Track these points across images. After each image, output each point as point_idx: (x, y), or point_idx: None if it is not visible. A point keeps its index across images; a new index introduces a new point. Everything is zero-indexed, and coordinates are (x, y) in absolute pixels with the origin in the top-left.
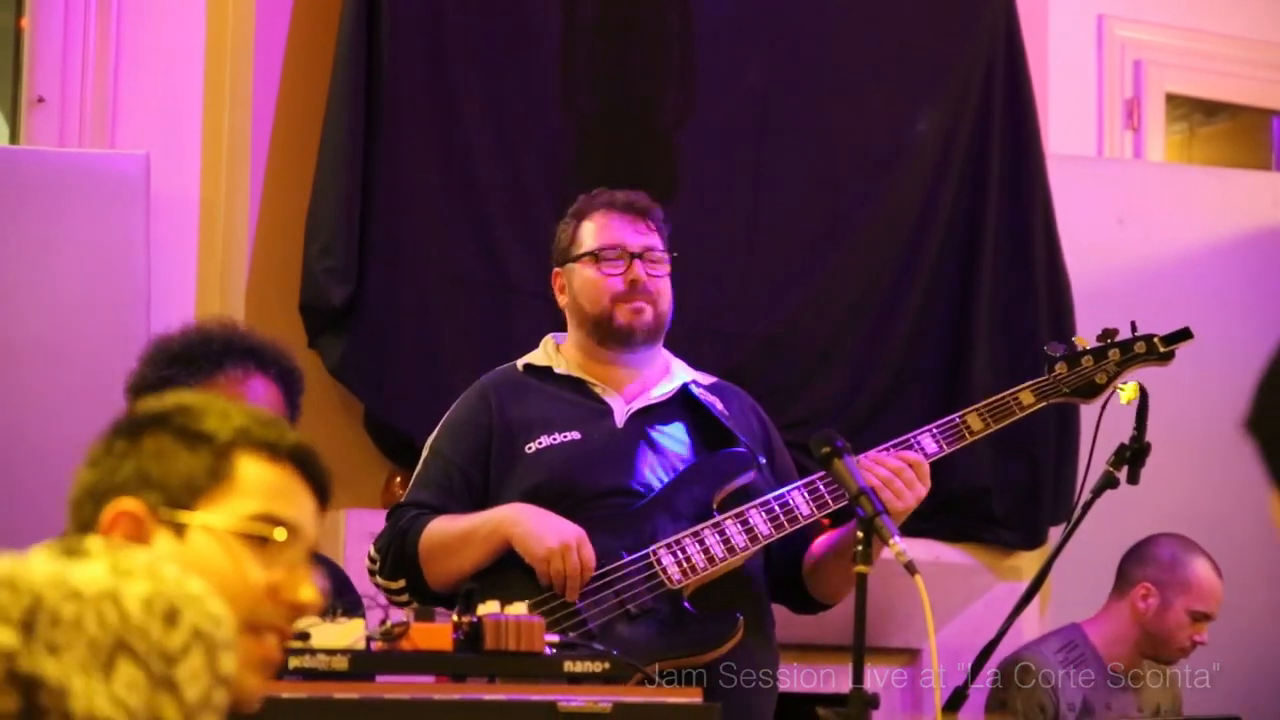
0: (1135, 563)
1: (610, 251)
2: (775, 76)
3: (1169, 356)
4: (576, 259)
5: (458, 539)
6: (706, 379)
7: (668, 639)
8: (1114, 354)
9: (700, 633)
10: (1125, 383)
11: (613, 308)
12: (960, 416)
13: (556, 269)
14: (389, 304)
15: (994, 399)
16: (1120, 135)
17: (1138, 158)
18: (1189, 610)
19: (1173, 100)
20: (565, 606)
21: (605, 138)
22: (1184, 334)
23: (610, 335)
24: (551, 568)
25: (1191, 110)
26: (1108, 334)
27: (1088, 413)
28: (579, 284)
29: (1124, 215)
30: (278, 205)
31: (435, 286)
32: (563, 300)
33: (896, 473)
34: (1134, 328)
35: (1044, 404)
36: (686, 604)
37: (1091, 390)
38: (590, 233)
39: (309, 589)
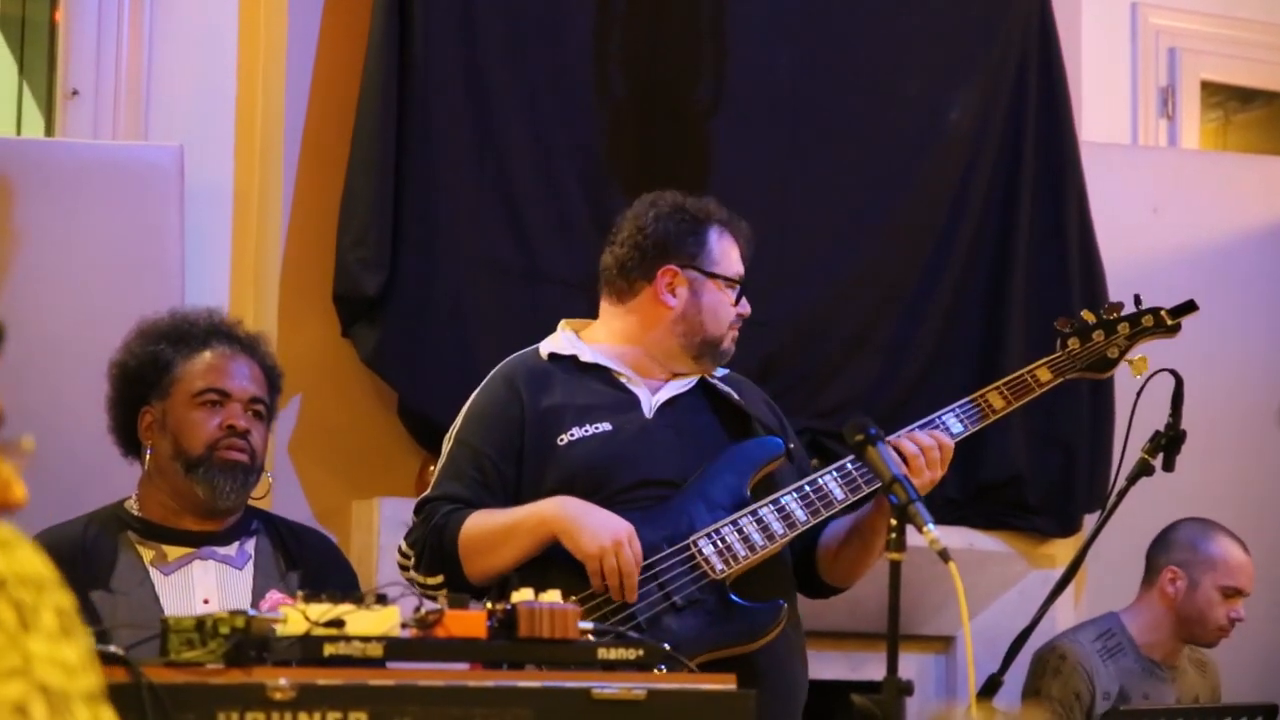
0: (1159, 550)
1: (737, 281)
2: (808, 63)
3: (1176, 329)
4: (709, 274)
5: (500, 533)
6: (718, 371)
7: (718, 629)
8: (1123, 328)
9: (748, 622)
10: (1134, 356)
11: (726, 333)
12: (981, 395)
13: (674, 268)
14: (422, 293)
15: (1012, 377)
16: (1155, 123)
17: (1172, 145)
18: (1219, 586)
19: (1208, 88)
20: (611, 602)
21: (638, 125)
22: (1189, 306)
23: (711, 354)
24: (605, 565)
25: (1227, 97)
26: (1113, 308)
27: (1122, 399)
28: (708, 302)
29: (1159, 203)
30: (311, 196)
31: (468, 275)
32: (671, 301)
33: (924, 450)
34: (1138, 301)
35: (1060, 380)
36: (733, 594)
37: (1104, 364)
38: (724, 254)
39: (23, 488)
